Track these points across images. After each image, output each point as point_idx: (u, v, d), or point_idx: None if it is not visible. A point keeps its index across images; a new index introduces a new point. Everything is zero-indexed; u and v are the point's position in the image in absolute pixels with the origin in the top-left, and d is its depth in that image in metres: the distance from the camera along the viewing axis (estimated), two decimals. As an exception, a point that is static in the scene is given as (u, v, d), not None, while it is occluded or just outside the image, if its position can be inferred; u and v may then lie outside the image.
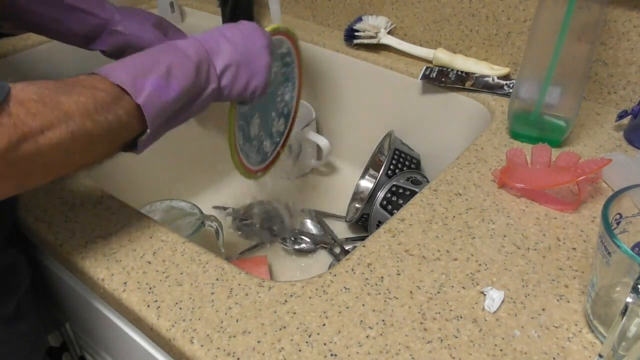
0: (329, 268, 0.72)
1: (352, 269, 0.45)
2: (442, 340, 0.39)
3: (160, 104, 0.42)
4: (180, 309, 0.42)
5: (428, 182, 0.70)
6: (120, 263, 0.46)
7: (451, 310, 0.41)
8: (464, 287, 0.43)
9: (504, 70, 0.70)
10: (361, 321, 0.40)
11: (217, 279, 0.44)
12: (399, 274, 0.44)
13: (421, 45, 0.77)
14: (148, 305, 0.42)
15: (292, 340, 0.39)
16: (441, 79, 0.71)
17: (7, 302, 0.51)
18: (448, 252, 0.46)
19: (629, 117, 0.60)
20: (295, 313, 0.41)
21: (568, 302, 0.42)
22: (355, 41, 0.79)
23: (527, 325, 0.40)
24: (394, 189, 0.70)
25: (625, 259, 0.34)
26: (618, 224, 0.38)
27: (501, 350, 0.38)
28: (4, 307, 0.51)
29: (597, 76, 0.65)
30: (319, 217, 0.80)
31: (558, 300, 0.42)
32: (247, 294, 0.43)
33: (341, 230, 0.80)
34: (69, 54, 0.73)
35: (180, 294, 0.43)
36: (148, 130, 0.43)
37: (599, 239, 0.36)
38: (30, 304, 0.55)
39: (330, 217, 0.81)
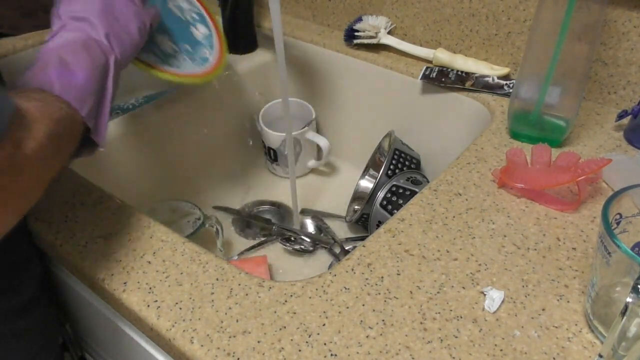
0: (329, 268, 0.72)
1: (352, 269, 0.45)
2: (442, 340, 0.39)
3: (75, 90, 0.42)
4: (180, 309, 0.42)
5: (428, 182, 0.70)
6: (120, 263, 0.46)
7: (451, 310, 0.41)
8: (464, 287, 0.43)
9: (504, 70, 0.70)
10: (361, 321, 0.40)
11: (217, 279, 0.44)
12: (399, 274, 0.44)
13: (421, 45, 0.77)
14: (148, 305, 0.42)
15: (292, 340, 0.39)
16: (441, 79, 0.71)
17: (20, 294, 0.51)
18: (448, 252, 0.46)
19: (629, 117, 0.60)
20: (295, 313, 0.41)
21: (568, 302, 0.42)
22: (355, 41, 0.79)
23: (527, 325, 0.40)
24: (394, 189, 0.70)
25: (625, 259, 0.34)
26: (618, 224, 0.38)
27: (501, 350, 0.38)
28: (16, 300, 0.50)
29: (597, 76, 0.65)
30: (319, 217, 0.80)
31: (558, 300, 0.42)
32: (247, 294, 0.43)
33: (341, 230, 0.80)
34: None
35: (180, 294, 0.43)
36: (83, 115, 0.42)
37: (599, 239, 0.36)
38: (43, 298, 0.55)
39: (330, 217, 0.81)
